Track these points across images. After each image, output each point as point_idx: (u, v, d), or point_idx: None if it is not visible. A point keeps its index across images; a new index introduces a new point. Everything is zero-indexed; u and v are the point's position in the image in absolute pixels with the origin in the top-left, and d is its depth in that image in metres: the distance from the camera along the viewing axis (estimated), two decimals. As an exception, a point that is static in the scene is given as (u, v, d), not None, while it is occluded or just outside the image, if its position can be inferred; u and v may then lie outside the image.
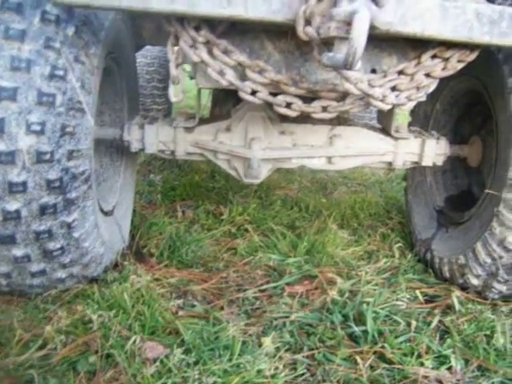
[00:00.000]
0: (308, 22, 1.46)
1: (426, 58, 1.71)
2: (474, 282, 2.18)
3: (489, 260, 2.06)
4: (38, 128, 1.56)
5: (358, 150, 2.23)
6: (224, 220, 2.84)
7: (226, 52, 1.64)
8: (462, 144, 2.49)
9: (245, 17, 1.47)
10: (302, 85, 1.69)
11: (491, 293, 2.15)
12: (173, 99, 1.78)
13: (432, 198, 2.74)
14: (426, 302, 2.22)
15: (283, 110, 1.73)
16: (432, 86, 1.79)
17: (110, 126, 2.47)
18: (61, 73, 1.60)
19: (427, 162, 2.28)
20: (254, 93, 1.71)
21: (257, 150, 2.09)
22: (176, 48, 1.71)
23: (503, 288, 2.11)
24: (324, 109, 1.74)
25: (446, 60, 1.70)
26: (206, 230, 2.76)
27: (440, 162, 2.33)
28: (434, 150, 2.27)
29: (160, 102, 5.28)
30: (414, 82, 1.72)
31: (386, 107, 1.67)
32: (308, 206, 3.17)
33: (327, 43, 1.47)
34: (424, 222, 2.72)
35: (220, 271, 2.35)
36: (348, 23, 1.30)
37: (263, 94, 1.69)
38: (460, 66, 1.73)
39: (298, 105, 1.72)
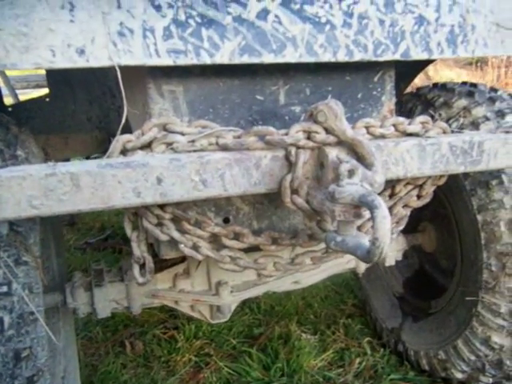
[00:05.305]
0: (295, 191, 1.33)
1: (399, 188, 1.65)
2: (458, 375, 2.15)
3: (473, 357, 2.04)
4: (-14, 370, 1.24)
5: (324, 264, 2.11)
6: (180, 348, 2.57)
7: (197, 224, 1.44)
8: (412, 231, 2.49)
9: (224, 195, 1.30)
10: (282, 242, 1.53)
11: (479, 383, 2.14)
12: (139, 280, 1.52)
13: (389, 283, 2.70)
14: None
15: (267, 272, 1.57)
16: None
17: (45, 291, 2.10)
18: (4, 288, 1.29)
19: (390, 261, 2.24)
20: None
21: (227, 296, 1.89)
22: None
23: (490, 380, 2.10)
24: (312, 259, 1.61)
25: (420, 187, 1.66)
26: (164, 364, 2.48)
27: (400, 257, 2.30)
28: (395, 248, 2.24)
29: None
30: (394, 217, 1.65)
31: None
32: (259, 306, 2.99)
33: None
34: (386, 309, 2.67)
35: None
36: (356, 206, 1.18)
37: (244, 261, 1.51)
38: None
39: (282, 264, 1.57)
